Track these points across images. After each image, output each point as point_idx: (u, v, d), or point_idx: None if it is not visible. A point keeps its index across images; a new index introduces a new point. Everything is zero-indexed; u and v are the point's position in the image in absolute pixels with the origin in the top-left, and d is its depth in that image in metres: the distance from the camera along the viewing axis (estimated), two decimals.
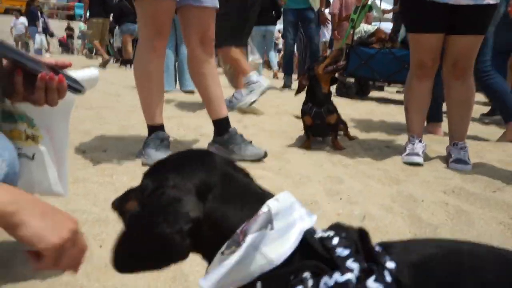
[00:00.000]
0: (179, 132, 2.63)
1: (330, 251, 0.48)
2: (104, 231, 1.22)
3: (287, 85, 5.77)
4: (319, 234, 0.53)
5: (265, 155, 2.02)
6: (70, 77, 0.88)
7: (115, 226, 1.25)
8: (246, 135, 2.19)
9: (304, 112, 2.40)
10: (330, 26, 7.36)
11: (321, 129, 2.46)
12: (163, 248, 0.52)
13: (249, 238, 0.50)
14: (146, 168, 2.08)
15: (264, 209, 0.52)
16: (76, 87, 0.88)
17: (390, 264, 0.47)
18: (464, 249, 0.48)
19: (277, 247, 0.50)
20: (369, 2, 2.59)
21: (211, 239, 0.53)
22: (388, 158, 2.26)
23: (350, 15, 5.26)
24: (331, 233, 0.52)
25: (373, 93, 5.74)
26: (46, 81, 0.82)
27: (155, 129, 1.95)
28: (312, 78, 2.38)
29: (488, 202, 1.63)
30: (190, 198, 0.52)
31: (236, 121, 3.02)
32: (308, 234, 0.52)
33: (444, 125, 2.53)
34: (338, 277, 0.46)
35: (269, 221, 0.51)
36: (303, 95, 2.46)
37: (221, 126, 2.09)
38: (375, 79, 5.15)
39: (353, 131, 2.81)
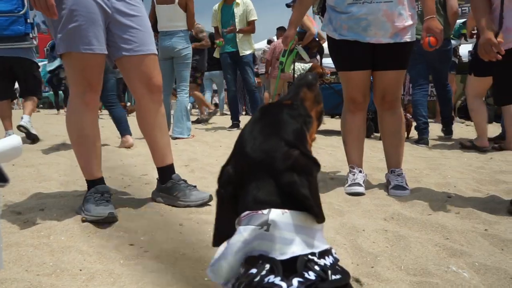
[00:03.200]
0: (123, 181, 2.57)
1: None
2: None
3: (234, 125, 5.84)
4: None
5: (211, 198, 2.00)
6: None
7: None
8: (193, 179, 2.18)
9: None
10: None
11: None
12: None
13: (245, 234, 0.65)
14: (86, 225, 1.98)
15: (265, 211, 0.66)
16: None
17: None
18: None
19: (264, 246, 0.64)
20: (296, 48, 2.76)
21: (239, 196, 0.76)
22: (332, 190, 2.32)
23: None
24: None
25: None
26: None
27: (94, 183, 1.89)
28: None
29: (425, 225, 1.71)
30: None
31: (183, 166, 3.01)
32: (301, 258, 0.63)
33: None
34: (276, 280, 0.59)
35: (264, 224, 0.64)
36: None
37: (165, 173, 2.07)
38: None
39: None
